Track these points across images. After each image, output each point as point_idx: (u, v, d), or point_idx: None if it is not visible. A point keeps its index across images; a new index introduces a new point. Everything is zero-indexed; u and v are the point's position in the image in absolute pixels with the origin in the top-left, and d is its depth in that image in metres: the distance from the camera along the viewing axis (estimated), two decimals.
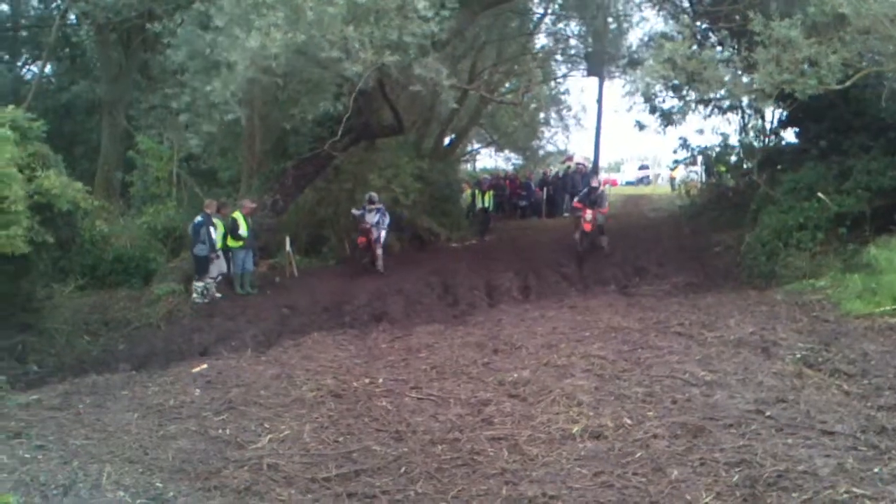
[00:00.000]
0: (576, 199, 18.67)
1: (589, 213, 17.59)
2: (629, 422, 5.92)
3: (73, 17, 21.55)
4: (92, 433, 6.23)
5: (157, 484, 5.13)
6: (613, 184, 49.85)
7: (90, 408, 7.12)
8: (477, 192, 25.26)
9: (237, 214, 15.07)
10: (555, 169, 36.03)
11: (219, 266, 14.71)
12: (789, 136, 20.75)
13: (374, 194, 17.34)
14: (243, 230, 14.97)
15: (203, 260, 14.34)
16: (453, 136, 30.80)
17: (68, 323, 12.23)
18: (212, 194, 17.68)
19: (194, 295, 14.18)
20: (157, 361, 10.31)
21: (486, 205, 24.72)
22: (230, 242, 14.96)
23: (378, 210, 17.03)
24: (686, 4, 20.71)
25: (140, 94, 20.95)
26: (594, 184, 18.72)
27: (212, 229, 14.39)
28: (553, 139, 35.29)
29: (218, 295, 14.58)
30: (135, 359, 10.65)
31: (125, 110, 21.19)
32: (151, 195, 19.31)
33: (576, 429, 5.83)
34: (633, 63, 21.11)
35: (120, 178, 20.85)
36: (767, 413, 5.91)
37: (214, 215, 14.72)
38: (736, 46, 15.34)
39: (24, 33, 26.68)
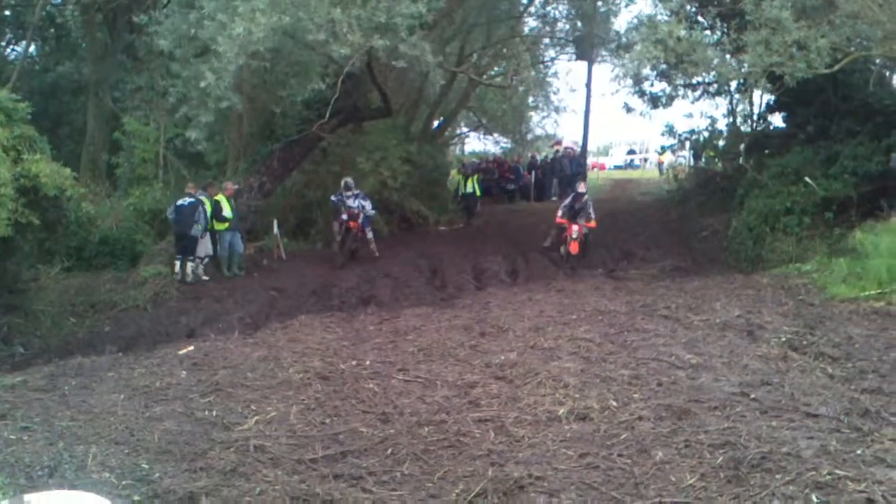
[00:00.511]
0: (559, 214, 16.16)
1: (575, 230, 15.48)
2: (615, 404, 5.95)
3: None
4: (77, 415, 6.20)
5: (143, 465, 5.12)
6: (602, 168, 49.95)
7: (76, 389, 7.09)
8: (460, 177, 24.86)
9: (220, 197, 15.03)
10: (543, 153, 36.04)
11: (205, 247, 14.67)
12: (777, 120, 20.83)
13: (349, 180, 16.83)
14: (227, 212, 14.94)
15: (195, 240, 14.32)
16: (442, 119, 30.70)
17: (54, 305, 12.17)
18: (199, 176, 17.63)
19: (189, 276, 14.16)
20: (144, 343, 10.29)
21: (471, 190, 24.22)
22: (216, 225, 14.92)
23: (356, 195, 16.51)
24: None
25: (126, 74, 20.79)
26: (580, 189, 16.34)
27: (205, 210, 14.37)
28: (542, 123, 35.19)
29: (205, 277, 14.56)
30: (121, 341, 10.62)
31: (111, 91, 21.05)
32: (138, 177, 19.24)
33: (562, 411, 5.85)
34: (622, 47, 21.05)
35: (106, 160, 20.73)
36: (752, 395, 5.95)
37: (201, 195, 14.69)
38: (725, 29, 15.35)
39: (7, 13, 26.36)
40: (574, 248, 15.46)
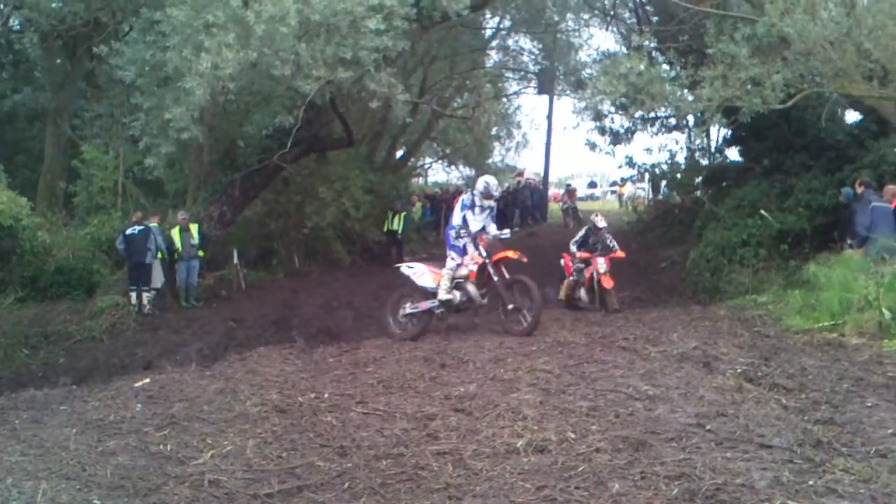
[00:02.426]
0: (573, 251, 14.28)
1: (601, 263, 13.62)
2: (573, 436, 5.96)
3: (16, 23, 21.10)
4: (28, 449, 6.07)
5: (95, 501, 5.01)
6: (565, 199, 50.36)
7: (27, 423, 6.94)
8: (389, 212, 22.94)
9: (172, 231, 14.97)
10: (506, 184, 36.32)
11: (159, 277, 14.55)
12: (733, 154, 21.27)
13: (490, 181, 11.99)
14: (177, 243, 14.87)
15: (149, 268, 14.19)
16: (405, 149, 30.86)
17: (7, 336, 11.97)
18: (158, 205, 17.47)
19: (147, 306, 14.01)
20: (99, 375, 10.13)
21: (396, 227, 22.60)
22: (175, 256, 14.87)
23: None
24: (634, 22, 21.12)
25: (85, 102, 20.59)
26: (600, 224, 14.39)
27: (157, 238, 14.28)
28: (505, 155, 35.55)
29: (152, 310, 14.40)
30: (75, 373, 10.45)
31: (70, 119, 20.81)
32: (96, 205, 18.98)
33: (520, 443, 5.85)
34: (582, 82, 21.43)
35: (63, 188, 20.44)
36: (708, 427, 6.00)
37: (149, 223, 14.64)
38: (683, 64, 15.69)
39: None
40: (607, 282, 13.57)
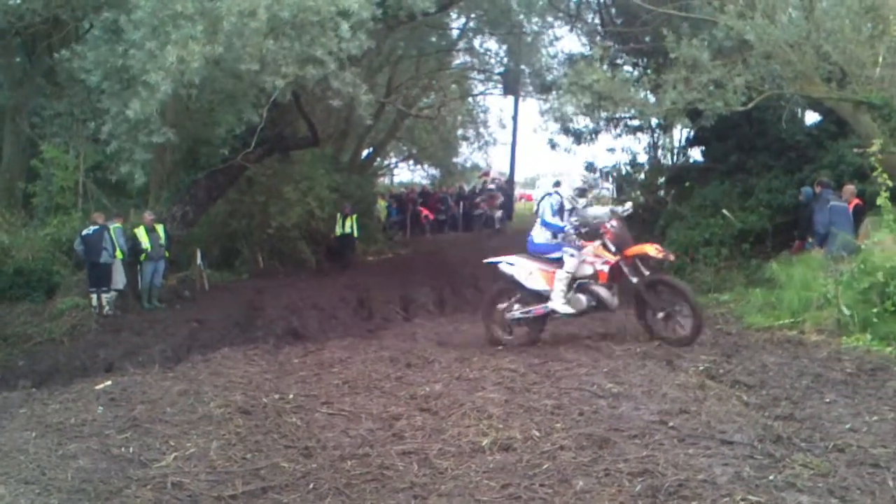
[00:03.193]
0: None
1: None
2: (537, 434, 5.99)
3: None
4: None
5: None
6: (529, 199, 50.57)
7: None
8: (339, 216, 21.86)
9: (138, 230, 14.79)
10: (472, 184, 36.42)
11: (120, 277, 14.38)
12: (696, 154, 21.50)
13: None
14: (144, 244, 14.70)
15: (107, 268, 13.99)
16: (371, 149, 30.80)
17: None
18: (120, 205, 17.24)
19: (106, 307, 13.82)
20: (60, 378, 9.96)
21: (349, 230, 21.64)
22: (140, 256, 14.69)
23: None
24: (598, 23, 21.28)
25: (45, 100, 20.24)
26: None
27: (111, 236, 14.09)
28: (471, 155, 35.63)
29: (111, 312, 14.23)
30: (35, 375, 10.27)
31: (29, 117, 20.44)
32: (56, 206, 18.65)
33: (485, 441, 5.87)
34: (546, 87, 21.55)
35: (22, 188, 20.07)
36: (670, 424, 6.06)
37: (111, 224, 14.45)
38: (646, 68, 15.85)
39: None
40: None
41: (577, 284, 9.47)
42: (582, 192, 9.78)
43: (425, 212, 29.80)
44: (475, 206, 30.97)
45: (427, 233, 30.01)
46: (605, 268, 9.41)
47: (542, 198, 9.88)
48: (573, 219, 9.65)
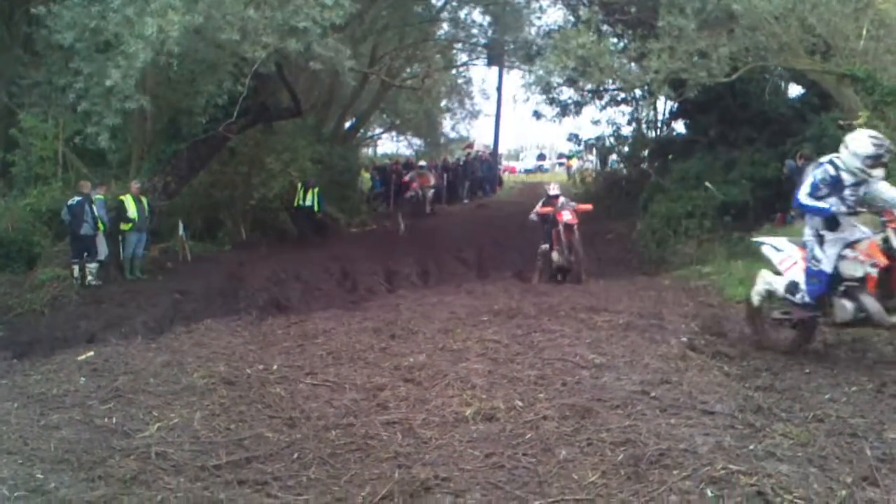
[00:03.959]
0: (535, 214, 14.19)
1: (567, 214, 13.37)
2: (520, 404, 6.03)
3: None
4: None
5: (38, 475, 4.92)
6: (513, 171, 50.63)
7: None
8: (300, 187, 20.77)
9: (125, 197, 14.66)
10: (456, 155, 36.32)
11: (102, 249, 14.26)
12: (679, 127, 21.56)
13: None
14: (132, 212, 14.59)
15: (90, 240, 13.88)
16: (354, 120, 30.60)
17: None
18: (100, 175, 17.05)
19: (89, 277, 13.72)
20: (41, 349, 9.86)
21: (310, 203, 20.58)
22: (122, 225, 14.55)
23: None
24: None
25: (23, 69, 19.91)
26: (552, 191, 14.40)
27: (92, 207, 13.95)
28: (455, 126, 35.49)
29: (96, 282, 14.14)
30: (16, 347, 10.16)
31: (6, 87, 20.10)
32: (35, 176, 18.39)
33: (469, 411, 5.90)
34: (531, 57, 21.44)
35: (1, 158, 19.79)
36: (652, 394, 6.12)
37: (95, 193, 14.31)
38: (631, 37, 15.79)
39: None
40: (572, 224, 13.21)
41: (843, 287, 7.05)
42: (877, 160, 6.88)
43: (414, 186, 28.69)
44: (405, 185, 27.46)
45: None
46: (874, 271, 6.83)
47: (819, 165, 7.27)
48: (856, 194, 7.05)
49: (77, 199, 13.96)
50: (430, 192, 26.58)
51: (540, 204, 14.34)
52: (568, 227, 13.19)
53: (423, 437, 5.52)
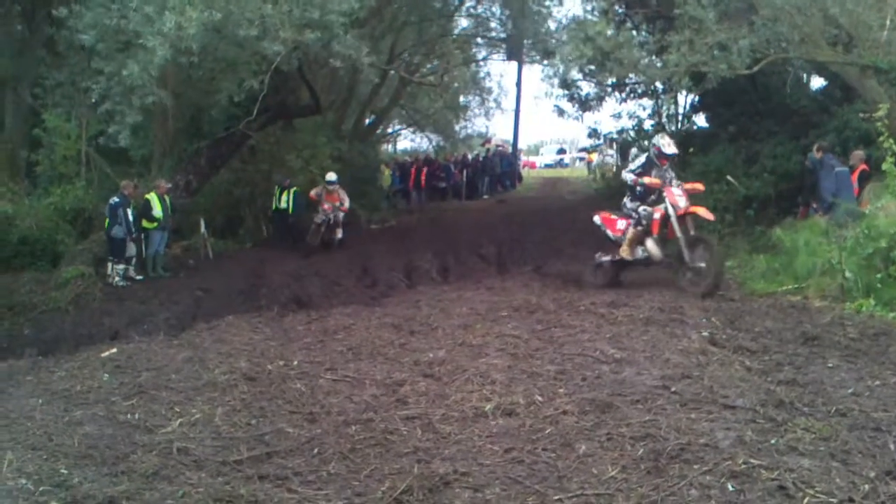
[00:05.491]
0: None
1: (680, 196, 10.82)
2: (540, 399, 6.03)
3: None
4: None
5: (62, 470, 4.98)
6: (532, 166, 50.54)
7: None
8: (276, 189, 19.29)
9: (150, 195, 14.80)
10: (475, 151, 36.27)
11: (130, 248, 14.43)
12: (700, 120, 21.39)
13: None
14: (157, 211, 14.73)
15: (120, 242, 14.05)
16: (373, 116, 30.65)
17: None
18: (123, 174, 17.21)
19: (116, 278, 13.91)
20: (65, 346, 10.01)
21: (285, 205, 19.04)
22: (145, 224, 14.69)
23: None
24: None
25: (46, 69, 20.13)
26: (668, 150, 11.30)
27: (129, 211, 14.13)
28: (474, 121, 35.42)
29: (139, 277, 14.35)
30: (41, 344, 10.32)
31: (30, 87, 20.32)
32: (59, 175, 18.61)
33: (488, 407, 5.90)
34: (550, 52, 21.36)
35: (25, 158, 20.03)
36: (673, 389, 6.09)
37: (132, 196, 14.49)
38: (651, 30, 15.67)
39: None
40: (704, 212, 10.88)
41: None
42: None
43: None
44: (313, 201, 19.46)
45: (414, 201, 29.16)
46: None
47: None
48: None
49: (116, 199, 14.13)
50: (341, 214, 18.87)
51: (641, 160, 11.69)
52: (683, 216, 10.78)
53: (442, 432, 5.53)
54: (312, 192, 18.66)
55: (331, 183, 18.56)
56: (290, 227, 19.09)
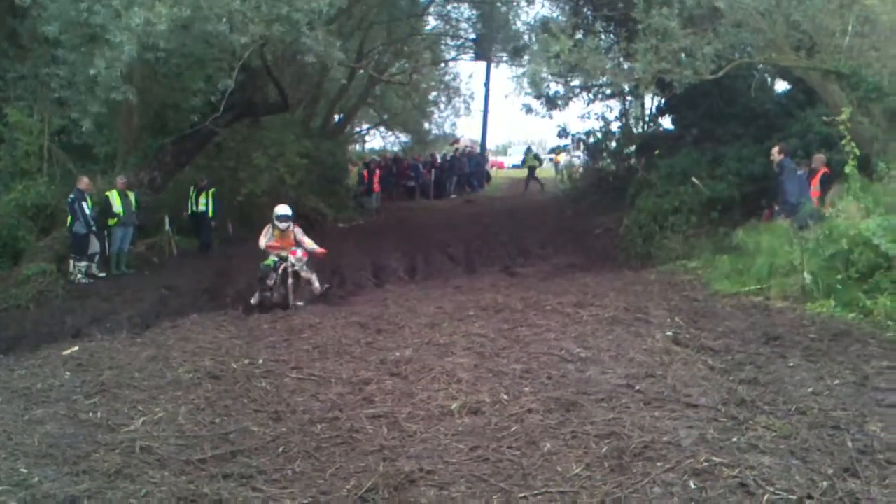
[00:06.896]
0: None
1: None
2: (506, 397, 6.05)
3: None
4: None
5: (22, 469, 4.91)
6: (501, 166, 50.70)
7: None
8: (193, 191, 18.01)
9: (110, 192, 14.62)
10: (443, 151, 36.33)
11: (93, 244, 14.23)
12: (666, 122, 21.58)
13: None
14: (117, 207, 14.53)
15: (82, 238, 13.86)
16: (342, 115, 30.55)
17: None
18: (86, 170, 16.95)
19: (79, 276, 13.71)
20: (26, 344, 9.83)
21: (203, 208, 17.81)
22: (109, 221, 14.51)
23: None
24: None
25: (8, 63, 19.77)
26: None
27: (84, 205, 13.92)
28: (442, 122, 35.48)
29: (101, 274, 14.15)
30: (1, 341, 10.14)
31: None
32: (21, 171, 18.29)
33: (454, 405, 5.91)
34: (519, 51, 21.44)
35: None
36: (637, 387, 6.15)
37: (88, 191, 14.27)
38: (617, 35, 15.79)
39: None
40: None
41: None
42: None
43: (375, 177, 27.09)
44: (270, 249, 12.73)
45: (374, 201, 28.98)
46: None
47: None
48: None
49: (72, 195, 13.94)
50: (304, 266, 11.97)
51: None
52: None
53: (408, 430, 5.53)
54: (261, 240, 12.10)
55: (282, 219, 12.02)
56: (207, 229, 17.87)
